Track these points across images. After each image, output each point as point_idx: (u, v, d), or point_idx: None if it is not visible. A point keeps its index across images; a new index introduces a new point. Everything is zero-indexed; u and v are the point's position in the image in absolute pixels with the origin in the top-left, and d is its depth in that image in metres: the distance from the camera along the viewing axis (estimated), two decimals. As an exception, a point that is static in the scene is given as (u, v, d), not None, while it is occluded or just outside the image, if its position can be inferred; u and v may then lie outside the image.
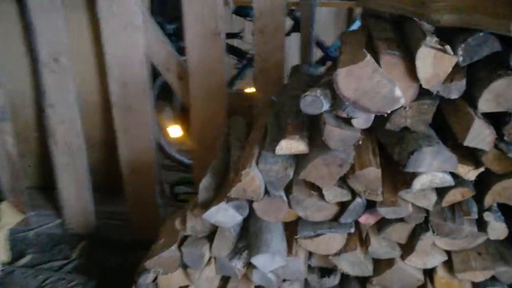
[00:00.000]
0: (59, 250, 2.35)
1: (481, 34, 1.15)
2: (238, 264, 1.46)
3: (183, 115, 2.74)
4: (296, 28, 3.02)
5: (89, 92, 2.29)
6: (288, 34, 2.80)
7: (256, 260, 1.38)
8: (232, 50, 3.32)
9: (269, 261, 1.38)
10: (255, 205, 1.36)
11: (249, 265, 1.47)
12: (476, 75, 1.19)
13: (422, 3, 1.27)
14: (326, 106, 1.24)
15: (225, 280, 1.57)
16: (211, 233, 1.49)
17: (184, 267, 1.52)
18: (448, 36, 1.20)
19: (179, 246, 1.50)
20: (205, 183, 1.46)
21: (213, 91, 1.90)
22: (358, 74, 1.12)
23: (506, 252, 1.40)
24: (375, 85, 1.13)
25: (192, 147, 2.10)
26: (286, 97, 1.55)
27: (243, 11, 3.30)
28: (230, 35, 3.17)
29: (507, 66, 1.14)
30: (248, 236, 1.46)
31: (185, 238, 1.54)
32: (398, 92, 1.14)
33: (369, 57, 1.12)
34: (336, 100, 1.22)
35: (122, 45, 1.92)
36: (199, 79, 1.88)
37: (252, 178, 1.29)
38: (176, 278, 1.56)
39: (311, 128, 1.36)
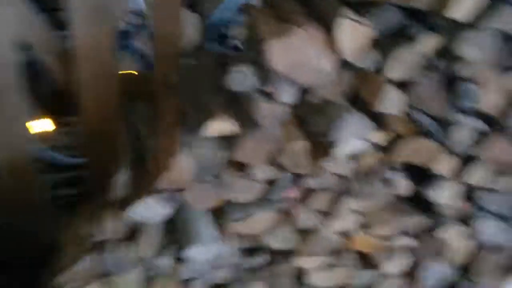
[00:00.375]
0: None
1: (386, 5, 1.25)
2: (167, 261, 1.36)
3: (57, 106, 2.39)
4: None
5: None
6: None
7: (190, 252, 1.30)
8: None
9: (203, 250, 1.32)
10: (186, 194, 1.27)
11: (178, 260, 1.38)
12: (384, 46, 1.29)
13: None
14: (253, 82, 1.22)
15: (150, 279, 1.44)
16: (132, 233, 1.35)
17: (105, 275, 1.35)
18: (355, 9, 1.28)
19: (96, 254, 1.33)
20: (121, 179, 1.31)
21: (104, 74, 1.70)
22: (290, 46, 1.13)
23: (409, 206, 1.57)
24: (305, 58, 1.15)
25: (81, 141, 1.85)
26: (196, 76, 1.47)
27: None
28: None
29: (409, 37, 1.27)
30: (175, 229, 1.36)
31: (100, 244, 1.37)
32: (327, 64, 1.18)
33: (298, 29, 1.12)
34: (264, 75, 1.20)
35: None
36: (86, 61, 1.65)
37: (182, 166, 1.20)
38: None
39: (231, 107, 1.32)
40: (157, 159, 1.29)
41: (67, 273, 1.30)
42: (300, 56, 1.14)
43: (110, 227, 1.31)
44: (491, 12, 1.23)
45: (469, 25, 1.24)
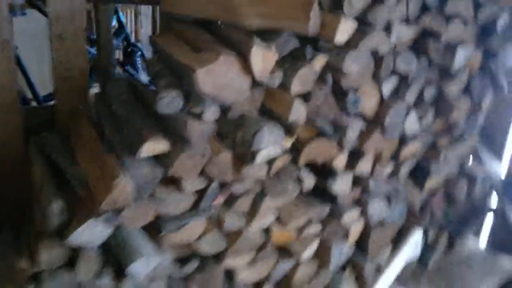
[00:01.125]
0: None
1: (285, 34, 1.49)
2: (107, 281, 1.40)
3: None
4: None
5: None
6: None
7: (133, 268, 1.36)
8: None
9: (145, 265, 1.39)
10: (124, 213, 1.34)
11: (117, 278, 1.43)
12: (285, 66, 1.53)
13: (234, 10, 1.52)
14: (180, 104, 1.35)
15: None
16: (69, 259, 1.37)
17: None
18: (259, 37, 1.49)
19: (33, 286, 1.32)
20: (56, 208, 1.32)
21: (4, 110, 1.65)
22: (215, 72, 1.29)
23: (312, 199, 1.84)
24: (229, 81, 1.32)
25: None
26: (117, 103, 1.54)
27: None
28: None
29: (304, 57, 1.53)
30: (113, 248, 1.41)
31: (35, 276, 1.35)
32: (245, 84, 1.36)
33: (223, 56, 1.29)
34: (192, 97, 1.34)
35: None
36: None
37: (124, 186, 1.27)
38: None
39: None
40: (94, 184, 1.33)
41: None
42: (223, 79, 1.31)
43: (47, 257, 1.31)
44: (363, 36, 1.55)
45: (348, 46, 1.55)
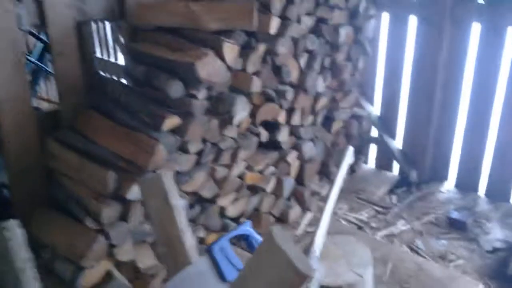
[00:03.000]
0: None
1: (237, 32, 2.13)
2: (147, 226, 1.93)
3: None
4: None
5: None
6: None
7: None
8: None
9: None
10: (159, 171, 1.87)
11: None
12: (241, 54, 2.17)
13: (196, 18, 2.10)
14: (183, 89, 1.92)
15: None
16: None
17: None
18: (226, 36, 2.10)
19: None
20: (111, 176, 1.79)
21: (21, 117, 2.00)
22: (207, 63, 1.89)
23: (265, 149, 2.52)
24: (216, 68, 1.93)
25: None
26: (124, 97, 2.03)
27: None
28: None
29: (252, 47, 2.19)
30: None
31: (99, 231, 1.81)
32: (224, 69, 1.98)
33: (211, 52, 1.89)
34: (189, 84, 1.92)
35: None
36: None
37: (161, 150, 1.81)
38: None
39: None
40: (132, 155, 1.83)
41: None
42: (213, 68, 1.92)
43: (107, 214, 1.79)
44: (285, 27, 2.27)
45: (278, 35, 2.25)
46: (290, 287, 0.91)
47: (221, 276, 1.29)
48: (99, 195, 1.83)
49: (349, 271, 1.74)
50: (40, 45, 3.59)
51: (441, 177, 3.20)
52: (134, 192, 1.80)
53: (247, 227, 1.63)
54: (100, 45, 4.31)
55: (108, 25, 4.56)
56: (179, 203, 1.34)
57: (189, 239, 1.34)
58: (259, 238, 1.61)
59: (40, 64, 3.52)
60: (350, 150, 2.03)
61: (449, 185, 3.16)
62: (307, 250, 1.64)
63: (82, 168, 1.90)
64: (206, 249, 1.37)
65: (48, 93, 4.68)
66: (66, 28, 2.05)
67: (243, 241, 1.67)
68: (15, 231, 1.17)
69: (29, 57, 3.32)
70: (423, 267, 2.28)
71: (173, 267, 1.32)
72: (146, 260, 1.99)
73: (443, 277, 2.22)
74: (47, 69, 3.53)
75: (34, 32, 3.42)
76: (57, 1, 1.98)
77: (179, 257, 1.30)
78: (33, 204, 2.03)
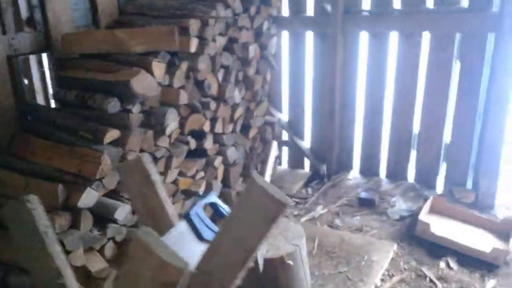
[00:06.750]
0: None
1: (162, 52, 2.39)
2: (96, 231, 2.08)
3: None
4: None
5: None
6: None
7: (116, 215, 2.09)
8: None
9: (122, 211, 2.12)
10: (105, 180, 2.05)
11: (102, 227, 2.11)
12: (167, 72, 2.43)
13: (120, 44, 2.33)
14: (119, 105, 2.13)
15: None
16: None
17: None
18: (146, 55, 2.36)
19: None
20: (60, 188, 1.93)
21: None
22: (140, 80, 2.12)
23: (193, 156, 2.78)
24: (148, 84, 2.17)
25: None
26: (60, 119, 2.17)
27: None
28: None
29: (175, 64, 2.46)
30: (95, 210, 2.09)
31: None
32: (155, 84, 2.23)
33: (142, 70, 2.13)
34: (124, 99, 2.14)
35: None
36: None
37: (107, 160, 2.00)
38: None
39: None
40: (78, 168, 1.99)
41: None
42: (145, 83, 2.16)
43: (58, 223, 1.92)
44: (203, 46, 2.58)
45: (197, 54, 2.55)
46: (271, 214, 1.19)
47: (199, 236, 1.52)
48: (49, 208, 1.95)
49: (287, 243, 2.06)
50: None
51: (347, 167, 3.71)
52: (84, 201, 1.96)
53: (214, 196, 1.84)
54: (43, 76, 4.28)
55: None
56: (159, 179, 1.57)
57: (171, 208, 1.56)
58: (226, 207, 1.84)
59: None
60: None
61: (355, 173, 3.67)
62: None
63: (28, 186, 2.00)
64: (184, 215, 1.58)
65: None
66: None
67: (212, 209, 1.86)
68: (36, 203, 1.37)
69: None
70: (345, 238, 2.69)
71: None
72: (96, 264, 2.13)
73: (363, 244, 2.64)
74: None
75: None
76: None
77: (162, 225, 1.52)
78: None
